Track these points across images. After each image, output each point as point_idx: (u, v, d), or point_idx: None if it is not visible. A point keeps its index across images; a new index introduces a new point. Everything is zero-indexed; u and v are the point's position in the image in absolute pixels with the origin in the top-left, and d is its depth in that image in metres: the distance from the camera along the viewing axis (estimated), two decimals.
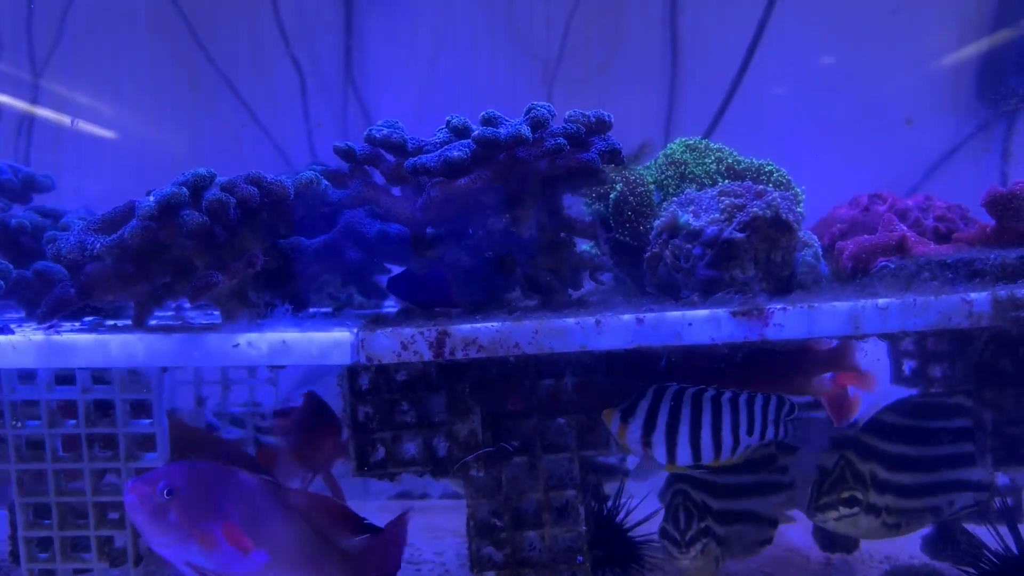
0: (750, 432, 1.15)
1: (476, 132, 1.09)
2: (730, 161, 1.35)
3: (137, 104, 2.39)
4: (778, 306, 0.99)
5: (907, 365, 1.58)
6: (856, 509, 1.22)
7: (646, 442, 1.15)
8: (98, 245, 0.99)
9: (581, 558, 1.11)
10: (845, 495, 1.22)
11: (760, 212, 1.08)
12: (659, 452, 1.15)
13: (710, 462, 1.16)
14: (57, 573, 1.30)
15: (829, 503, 1.22)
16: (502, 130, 1.09)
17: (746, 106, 2.26)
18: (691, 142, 1.39)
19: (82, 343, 1.00)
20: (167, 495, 0.97)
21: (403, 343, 1.03)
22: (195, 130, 2.39)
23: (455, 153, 1.08)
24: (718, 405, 1.14)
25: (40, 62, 2.36)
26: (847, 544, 1.53)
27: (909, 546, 1.53)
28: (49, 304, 1.02)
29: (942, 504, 1.27)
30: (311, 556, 1.08)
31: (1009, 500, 1.44)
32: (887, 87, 2.20)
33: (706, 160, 1.34)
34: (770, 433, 1.16)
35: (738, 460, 1.16)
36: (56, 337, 1.00)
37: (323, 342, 1.02)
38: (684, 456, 1.15)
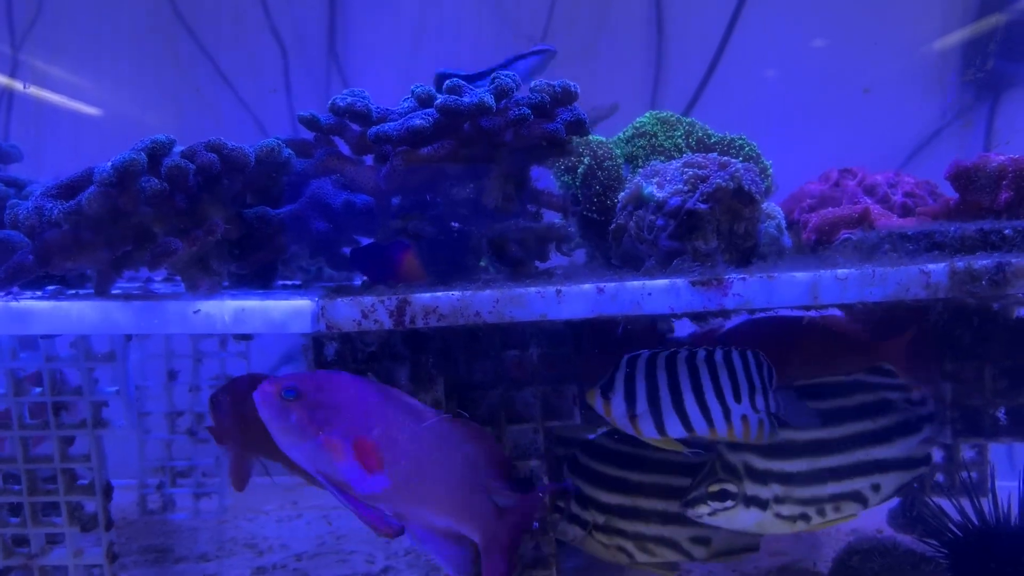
0: (737, 398, 1.07)
1: (439, 100, 1.09)
2: (700, 135, 1.35)
3: (117, 78, 2.37)
4: (737, 276, 0.99)
5: None
6: (730, 503, 1.13)
7: (632, 416, 1.10)
8: (56, 211, 0.99)
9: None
10: (715, 489, 1.13)
11: (723, 183, 1.08)
12: (646, 426, 1.09)
13: (705, 434, 1.08)
14: (30, 538, 1.31)
15: (698, 497, 1.14)
16: (465, 98, 1.08)
17: (729, 85, 2.26)
18: (662, 115, 1.39)
19: (40, 310, 1.00)
20: (290, 396, 0.96)
21: (363, 311, 1.03)
22: (176, 104, 2.37)
23: (418, 121, 1.07)
24: (694, 366, 1.08)
25: (20, 35, 2.33)
26: None
27: (876, 518, 1.54)
28: (7, 270, 1.02)
29: (862, 488, 1.14)
30: (446, 492, 1.02)
31: (974, 474, 1.45)
32: (873, 67, 2.20)
33: (675, 133, 1.34)
34: (759, 402, 1.08)
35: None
36: (14, 304, 1.00)
37: (283, 310, 1.02)
38: (674, 427, 1.09)
